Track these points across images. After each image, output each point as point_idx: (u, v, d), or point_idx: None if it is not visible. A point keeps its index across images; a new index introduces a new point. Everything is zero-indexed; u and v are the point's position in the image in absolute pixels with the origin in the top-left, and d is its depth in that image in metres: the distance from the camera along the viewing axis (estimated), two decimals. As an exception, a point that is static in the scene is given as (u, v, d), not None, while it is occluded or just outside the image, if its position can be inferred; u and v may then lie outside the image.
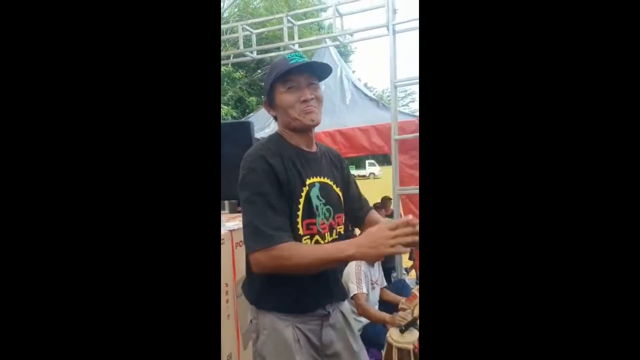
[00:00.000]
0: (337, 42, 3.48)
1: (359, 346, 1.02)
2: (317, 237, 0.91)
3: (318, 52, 4.44)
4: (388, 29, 2.75)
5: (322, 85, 1.07)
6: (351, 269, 2.02)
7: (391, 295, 2.24)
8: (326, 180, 0.95)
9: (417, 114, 3.41)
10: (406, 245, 0.74)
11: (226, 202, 2.45)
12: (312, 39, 3.84)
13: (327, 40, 3.59)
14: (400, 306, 1.81)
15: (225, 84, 9.71)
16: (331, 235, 0.95)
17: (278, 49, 3.60)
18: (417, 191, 2.65)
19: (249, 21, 3.62)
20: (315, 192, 0.91)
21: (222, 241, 1.60)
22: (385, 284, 2.33)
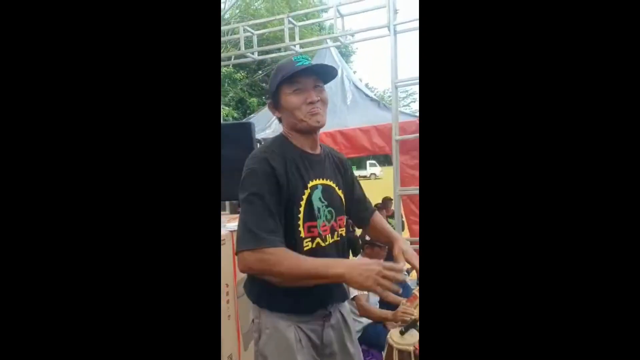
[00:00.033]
0: (338, 43, 3.49)
1: (355, 348, 1.02)
2: (318, 239, 0.92)
3: (319, 52, 4.44)
4: (389, 30, 2.75)
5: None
6: (352, 269, 2.02)
7: (392, 296, 2.23)
8: (329, 182, 0.96)
9: (418, 114, 3.41)
10: (393, 294, 0.75)
11: (227, 203, 2.45)
12: (313, 39, 3.84)
13: (328, 40, 3.59)
14: (401, 306, 1.81)
15: (226, 85, 9.73)
16: (332, 237, 0.95)
17: (279, 49, 3.61)
18: (418, 192, 2.65)
19: (250, 22, 3.63)
20: (317, 194, 0.92)
21: (223, 242, 1.61)
22: (386, 284, 2.32)
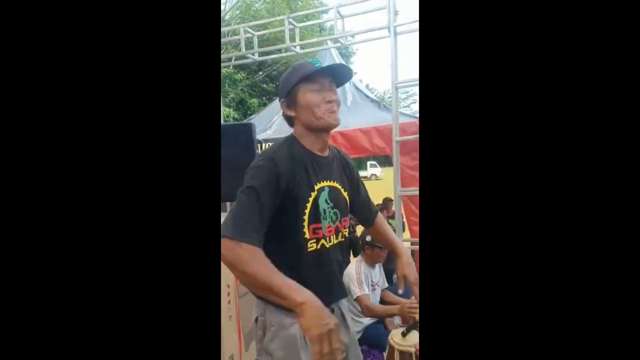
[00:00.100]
0: (339, 44, 3.49)
1: (350, 339, 1.05)
2: (322, 241, 0.93)
3: (319, 53, 4.45)
4: (389, 31, 2.75)
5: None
6: (352, 270, 2.02)
7: (392, 297, 2.23)
8: (335, 184, 0.98)
9: (418, 115, 3.41)
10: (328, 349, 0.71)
11: (227, 204, 2.45)
12: (313, 40, 3.84)
13: (329, 42, 3.59)
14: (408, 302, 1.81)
15: (226, 85, 9.73)
16: (337, 238, 0.98)
17: (279, 50, 3.61)
18: (418, 192, 2.65)
19: (251, 23, 3.63)
20: (324, 195, 0.94)
21: (223, 242, 1.61)
22: (386, 285, 2.32)
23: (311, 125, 0.94)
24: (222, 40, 4.27)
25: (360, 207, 1.12)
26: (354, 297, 1.95)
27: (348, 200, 1.03)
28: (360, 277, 2.03)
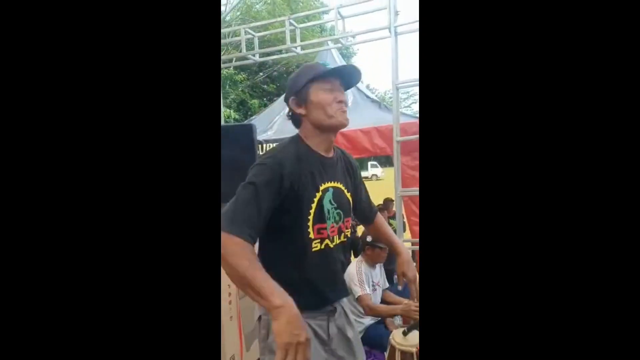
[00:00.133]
0: (339, 45, 3.49)
1: (353, 334, 1.06)
2: (327, 240, 0.95)
3: (320, 54, 4.45)
4: (390, 31, 2.75)
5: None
6: (352, 270, 2.03)
7: (393, 297, 2.23)
8: (339, 185, 0.99)
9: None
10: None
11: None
12: (314, 41, 3.85)
13: (329, 42, 3.60)
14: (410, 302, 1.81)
15: (227, 86, 9.74)
16: (339, 238, 0.99)
17: (280, 51, 3.62)
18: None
19: (252, 24, 3.64)
20: (328, 196, 0.95)
21: (224, 243, 1.61)
22: (387, 285, 2.32)
23: (322, 124, 0.94)
24: (223, 41, 4.27)
25: (361, 207, 1.14)
26: (356, 297, 1.95)
27: (351, 201, 1.04)
28: (361, 277, 2.03)
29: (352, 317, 1.09)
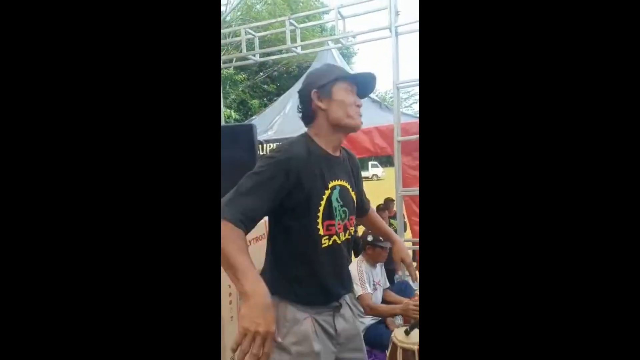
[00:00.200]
0: (340, 45, 3.49)
1: (356, 330, 1.09)
2: (334, 237, 0.98)
3: (321, 54, 4.45)
4: (390, 31, 2.76)
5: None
6: (353, 269, 2.03)
7: (394, 297, 2.23)
8: (345, 183, 1.02)
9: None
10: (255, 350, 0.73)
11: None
12: (314, 41, 3.86)
13: (330, 42, 3.60)
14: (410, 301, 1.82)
15: (227, 86, 9.75)
16: (345, 235, 1.02)
17: (280, 51, 3.63)
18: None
19: (252, 25, 3.65)
20: (335, 194, 0.97)
21: (225, 243, 1.61)
22: (388, 285, 2.33)
23: (340, 122, 0.97)
24: (224, 41, 4.27)
25: (360, 200, 1.18)
26: (356, 296, 1.96)
27: (355, 199, 1.07)
28: (362, 276, 2.03)
29: (355, 312, 1.12)
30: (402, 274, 2.85)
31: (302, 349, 0.93)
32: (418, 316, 1.65)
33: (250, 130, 2.00)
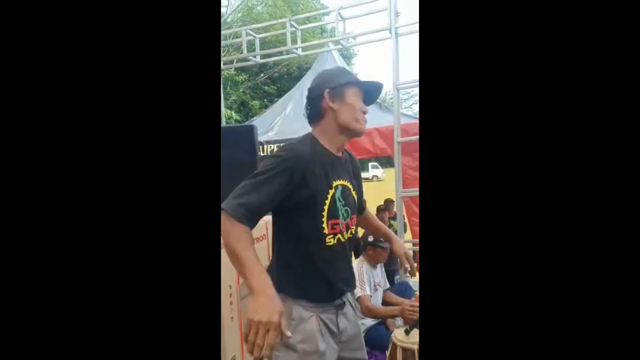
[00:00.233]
0: (340, 46, 3.50)
1: (356, 330, 1.11)
2: (339, 235, 1.00)
3: (321, 55, 4.46)
4: (390, 32, 2.76)
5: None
6: (354, 270, 2.03)
7: (394, 298, 2.23)
8: (347, 183, 1.04)
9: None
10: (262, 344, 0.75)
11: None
12: (315, 42, 3.86)
13: (330, 43, 3.61)
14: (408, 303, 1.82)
15: (228, 87, 9.76)
16: (347, 234, 1.04)
17: (281, 53, 3.63)
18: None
19: (252, 26, 3.66)
20: (338, 194, 0.99)
21: (226, 243, 1.61)
22: (388, 286, 2.32)
23: (347, 125, 1.00)
24: (224, 42, 4.28)
25: (358, 202, 1.19)
26: (355, 298, 1.96)
27: (356, 199, 1.08)
28: (363, 277, 2.03)
29: (357, 311, 1.14)
30: (402, 275, 2.85)
31: (308, 348, 0.94)
32: (415, 317, 1.66)
33: (250, 131, 2.00)
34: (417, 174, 2.85)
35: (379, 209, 3.74)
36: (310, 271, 0.96)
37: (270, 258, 1.02)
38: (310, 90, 1.03)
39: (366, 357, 1.11)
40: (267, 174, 0.88)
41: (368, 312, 1.97)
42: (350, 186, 1.05)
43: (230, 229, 0.83)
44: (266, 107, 9.10)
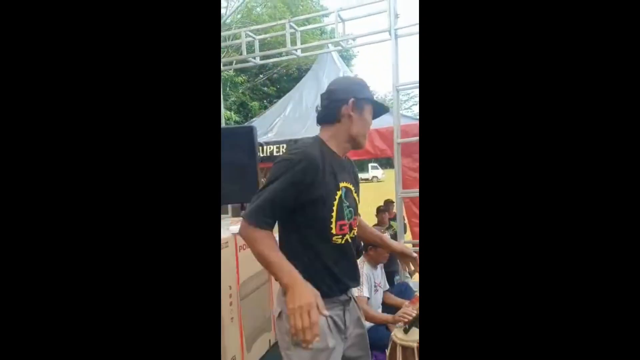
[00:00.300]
0: (340, 47, 3.51)
1: (364, 325, 1.15)
2: (346, 235, 1.04)
3: (321, 57, 4.46)
4: (390, 34, 2.77)
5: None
6: (355, 271, 2.03)
7: (394, 299, 2.23)
8: (350, 185, 1.07)
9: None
10: (303, 331, 0.81)
11: (229, 206, 2.46)
12: (314, 44, 3.86)
13: (330, 45, 3.61)
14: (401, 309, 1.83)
15: (227, 88, 9.76)
16: (350, 234, 1.06)
17: (280, 54, 3.64)
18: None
19: (252, 27, 3.66)
20: (343, 195, 1.02)
21: (226, 244, 1.62)
22: (388, 287, 2.32)
23: (356, 137, 1.06)
24: (224, 44, 4.28)
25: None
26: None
27: (357, 201, 1.12)
28: (363, 278, 2.03)
29: (358, 305, 1.16)
30: (402, 276, 2.85)
31: (319, 345, 0.96)
32: (407, 319, 1.67)
33: (250, 132, 2.00)
34: (417, 175, 2.86)
35: (379, 210, 3.74)
36: (317, 269, 0.98)
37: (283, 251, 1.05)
38: (332, 92, 1.05)
39: (370, 357, 1.12)
40: (280, 178, 0.92)
41: (363, 314, 1.97)
42: (353, 188, 1.08)
43: (254, 235, 0.90)
44: (266, 108, 9.11)
